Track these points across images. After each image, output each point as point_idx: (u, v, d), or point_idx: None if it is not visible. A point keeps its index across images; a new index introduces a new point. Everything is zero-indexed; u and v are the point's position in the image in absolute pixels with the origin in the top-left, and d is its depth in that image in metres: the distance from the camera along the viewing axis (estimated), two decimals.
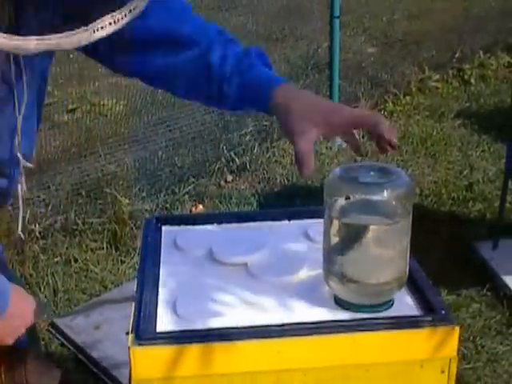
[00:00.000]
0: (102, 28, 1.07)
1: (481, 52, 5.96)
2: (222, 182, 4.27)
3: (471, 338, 2.97)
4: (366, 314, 1.31)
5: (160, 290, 1.40)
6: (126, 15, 1.08)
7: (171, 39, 1.41)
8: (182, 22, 1.42)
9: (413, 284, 1.40)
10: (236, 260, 1.49)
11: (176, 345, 1.24)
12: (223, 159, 4.36)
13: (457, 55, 5.84)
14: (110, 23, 1.07)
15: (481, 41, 6.10)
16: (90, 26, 1.06)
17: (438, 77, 5.66)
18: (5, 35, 1.00)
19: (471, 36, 6.09)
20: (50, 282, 3.18)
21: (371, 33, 6.41)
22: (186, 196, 4.06)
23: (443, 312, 1.30)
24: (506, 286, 3.19)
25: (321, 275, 1.40)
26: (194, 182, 4.17)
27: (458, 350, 1.29)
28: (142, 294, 1.37)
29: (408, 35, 6.20)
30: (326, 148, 4.61)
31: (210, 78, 1.42)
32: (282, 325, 1.29)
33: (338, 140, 4.68)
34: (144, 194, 3.95)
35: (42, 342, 2.82)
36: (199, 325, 1.29)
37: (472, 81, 5.73)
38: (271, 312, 1.34)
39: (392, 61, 5.81)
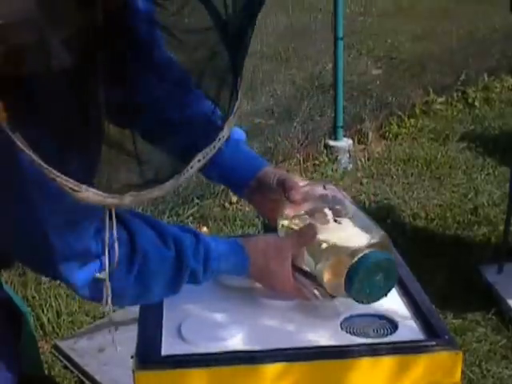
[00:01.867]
0: (191, 168, 1.00)
1: (485, 75, 5.97)
2: (227, 204, 4.25)
3: (477, 362, 2.94)
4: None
5: (164, 313, 1.40)
6: (215, 146, 1.01)
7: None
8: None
9: (416, 309, 1.41)
10: (241, 283, 1.49)
11: (180, 368, 1.25)
12: None
13: (461, 78, 5.84)
14: (199, 160, 1.00)
15: (485, 64, 6.12)
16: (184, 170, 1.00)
17: (442, 99, 5.66)
18: (99, 192, 0.94)
19: (476, 59, 6.11)
20: (53, 304, 3.16)
21: (376, 54, 6.44)
22: (190, 218, 4.05)
23: (447, 337, 1.31)
24: (511, 310, 3.17)
25: (327, 300, 1.41)
26: (198, 204, 4.16)
27: (464, 374, 1.29)
28: (146, 317, 1.37)
29: (413, 57, 6.23)
30: (332, 170, 4.61)
31: None
32: (287, 349, 1.29)
33: (344, 162, 4.69)
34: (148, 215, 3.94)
35: (45, 365, 2.81)
36: (204, 348, 1.29)
37: (476, 103, 5.73)
38: (276, 336, 1.34)
39: (397, 83, 5.83)
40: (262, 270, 1.38)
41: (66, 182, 0.90)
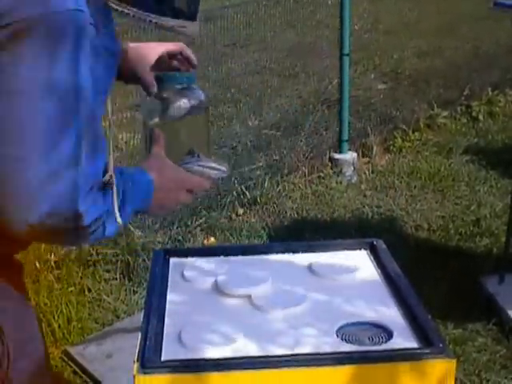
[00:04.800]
0: None
1: (489, 89, 6.00)
2: (233, 215, 4.30)
3: (476, 371, 2.95)
4: None
5: (166, 320, 1.44)
6: None
7: None
8: None
9: (412, 317, 1.45)
10: (240, 292, 1.53)
11: (180, 373, 1.28)
12: (234, 193, 4.41)
13: (465, 92, 5.87)
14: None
15: (489, 78, 6.14)
16: None
17: (446, 113, 5.69)
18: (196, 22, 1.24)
19: (480, 73, 6.15)
20: (64, 310, 3.21)
21: (381, 70, 6.48)
22: (198, 228, 4.09)
23: (441, 345, 1.33)
24: (511, 320, 3.19)
25: (323, 308, 1.46)
26: (205, 215, 4.21)
27: (460, 383, 1.31)
28: (148, 324, 1.41)
29: (417, 72, 6.26)
30: (336, 183, 4.66)
31: None
32: (284, 356, 1.32)
33: (348, 175, 4.75)
34: (157, 226, 3.99)
35: (55, 370, 2.85)
36: (203, 354, 1.33)
37: (480, 117, 5.75)
38: (274, 343, 1.37)
39: (401, 97, 5.86)
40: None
41: (173, 23, 1.17)
